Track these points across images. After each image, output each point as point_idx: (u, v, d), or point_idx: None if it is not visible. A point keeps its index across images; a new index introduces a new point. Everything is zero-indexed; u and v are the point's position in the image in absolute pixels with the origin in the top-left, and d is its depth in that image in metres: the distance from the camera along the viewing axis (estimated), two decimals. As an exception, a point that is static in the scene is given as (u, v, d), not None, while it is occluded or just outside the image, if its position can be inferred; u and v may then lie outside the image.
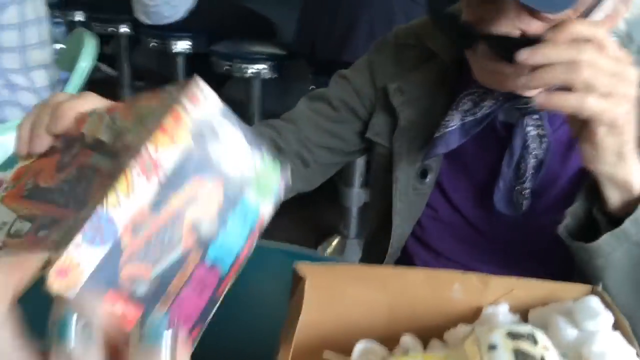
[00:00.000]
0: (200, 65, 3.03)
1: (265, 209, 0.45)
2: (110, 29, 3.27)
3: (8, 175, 0.56)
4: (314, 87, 2.18)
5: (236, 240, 0.44)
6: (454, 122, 0.77)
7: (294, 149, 0.89)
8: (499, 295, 0.54)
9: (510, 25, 0.65)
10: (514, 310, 0.54)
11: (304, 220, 2.54)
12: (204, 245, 0.42)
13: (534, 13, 0.65)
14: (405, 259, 0.86)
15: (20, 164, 0.56)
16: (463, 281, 0.55)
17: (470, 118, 0.77)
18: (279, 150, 0.88)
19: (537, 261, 0.75)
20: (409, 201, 0.83)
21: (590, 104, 0.58)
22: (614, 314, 0.50)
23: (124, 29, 3.27)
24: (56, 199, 0.46)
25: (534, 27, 0.65)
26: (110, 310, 0.37)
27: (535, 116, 0.74)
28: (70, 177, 0.47)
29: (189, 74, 2.95)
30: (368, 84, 0.90)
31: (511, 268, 0.67)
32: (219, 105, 0.43)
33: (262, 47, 2.74)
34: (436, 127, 0.79)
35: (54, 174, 0.50)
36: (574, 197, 0.71)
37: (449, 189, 0.83)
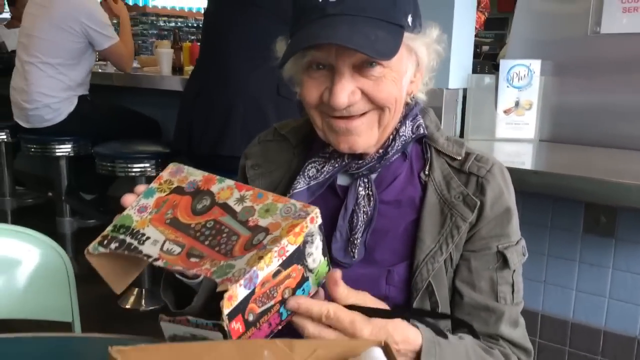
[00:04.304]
0: (84, 165, 3.00)
1: (314, 291, 0.73)
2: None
3: (149, 202, 0.81)
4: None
5: None
6: (301, 185, 0.95)
7: None
8: (306, 356, 0.62)
9: (345, 93, 0.83)
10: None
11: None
12: (282, 304, 0.70)
13: (362, 71, 0.83)
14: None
15: (158, 195, 0.81)
16: (271, 348, 0.61)
17: (314, 182, 0.95)
18: None
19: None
20: None
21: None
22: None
23: (1, 136, 3.11)
24: (198, 236, 0.74)
25: (363, 84, 0.84)
26: (233, 326, 0.65)
27: (365, 180, 0.93)
28: (210, 226, 0.74)
29: (73, 176, 2.94)
30: (243, 174, 1.06)
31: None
32: (319, 222, 0.71)
33: (146, 147, 2.75)
34: (286, 193, 0.95)
35: (190, 214, 0.77)
36: (401, 250, 0.91)
37: None
